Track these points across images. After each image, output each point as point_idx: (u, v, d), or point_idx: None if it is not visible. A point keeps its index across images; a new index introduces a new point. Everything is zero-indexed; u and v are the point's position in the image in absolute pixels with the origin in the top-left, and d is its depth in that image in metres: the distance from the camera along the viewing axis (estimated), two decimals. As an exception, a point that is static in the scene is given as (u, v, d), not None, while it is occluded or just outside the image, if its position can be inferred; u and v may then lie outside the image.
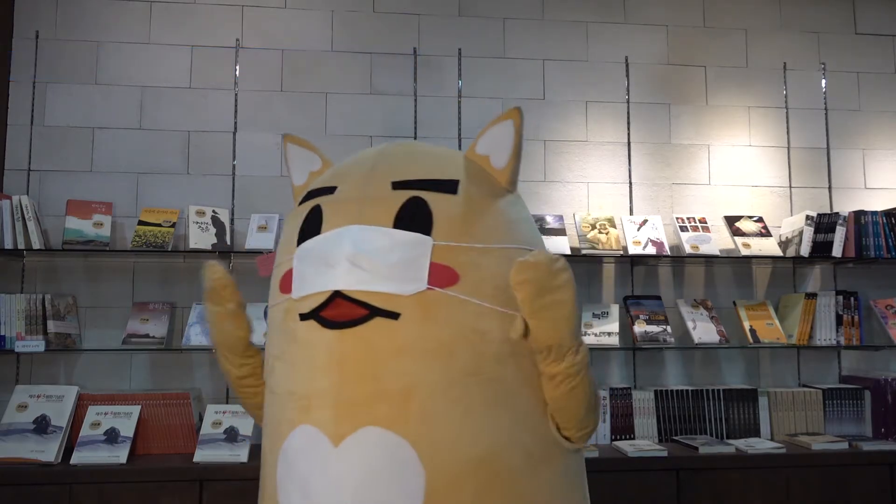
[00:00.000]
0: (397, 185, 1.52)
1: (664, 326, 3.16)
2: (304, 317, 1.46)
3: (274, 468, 1.49)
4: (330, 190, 1.60)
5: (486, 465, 1.39)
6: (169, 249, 3.00)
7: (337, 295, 1.42)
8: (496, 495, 1.40)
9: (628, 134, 3.45)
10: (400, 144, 1.76)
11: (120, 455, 2.68)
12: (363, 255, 1.42)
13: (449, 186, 1.53)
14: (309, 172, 1.80)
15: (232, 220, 3.17)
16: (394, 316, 1.40)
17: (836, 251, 3.20)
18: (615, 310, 3.18)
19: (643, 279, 3.37)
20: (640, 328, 3.14)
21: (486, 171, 1.61)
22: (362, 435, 1.37)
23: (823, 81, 3.60)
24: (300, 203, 1.68)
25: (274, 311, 1.58)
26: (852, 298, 3.28)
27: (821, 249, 3.23)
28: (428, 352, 1.40)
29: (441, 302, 1.42)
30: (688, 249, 3.20)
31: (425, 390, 1.38)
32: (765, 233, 3.30)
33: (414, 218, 1.48)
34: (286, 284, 1.54)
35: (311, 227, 1.55)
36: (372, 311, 1.40)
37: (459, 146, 3.30)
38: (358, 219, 1.49)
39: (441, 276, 1.43)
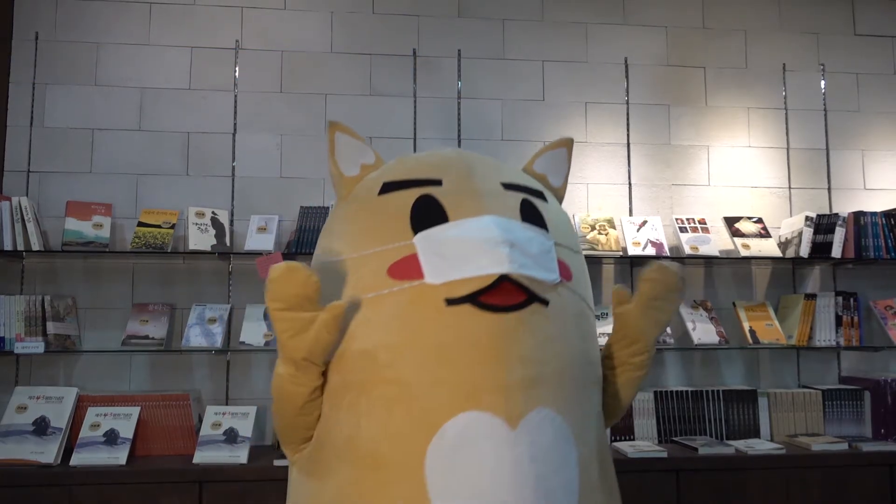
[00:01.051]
0: (507, 186, 1.63)
1: (664, 327, 3.16)
2: (453, 301, 1.43)
3: (417, 468, 1.38)
4: (435, 182, 1.60)
5: (602, 437, 1.60)
6: (168, 251, 3.00)
7: (504, 279, 1.44)
8: (605, 468, 1.60)
9: (627, 135, 3.45)
10: (464, 150, 1.85)
11: (119, 456, 2.68)
12: (516, 243, 1.48)
13: (540, 195, 1.69)
14: (361, 165, 1.74)
15: (231, 222, 3.17)
16: (545, 302, 1.49)
17: (836, 252, 3.20)
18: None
19: (643, 280, 3.37)
20: (639, 329, 3.14)
21: (547, 187, 1.81)
22: (536, 416, 1.42)
23: (823, 82, 3.60)
24: (380, 193, 1.62)
25: (378, 298, 1.49)
26: (852, 299, 3.28)
27: (820, 250, 3.23)
28: (568, 338, 1.53)
29: (567, 294, 1.56)
30: (687, 250, 3.20)
31: (571, 373, 1.51)
32: (764, 234, 3.30)
33: (533, 217, 1.60)
34: (400, 272, 1.48)
35: (431, 215, 1.53)
36: (530, 297, 1.46)
37: (459, 147, 3.30)
38: (489, 210, 1.53)
39: (564, 271, 1.57)
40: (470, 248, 1.47)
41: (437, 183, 1.59)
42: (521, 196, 1.61)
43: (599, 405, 1.63)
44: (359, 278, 1.52)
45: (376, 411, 1.44)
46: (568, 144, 1.87)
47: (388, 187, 1.62)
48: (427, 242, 1.49)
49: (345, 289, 1.52)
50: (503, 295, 1.44)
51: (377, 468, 1.42)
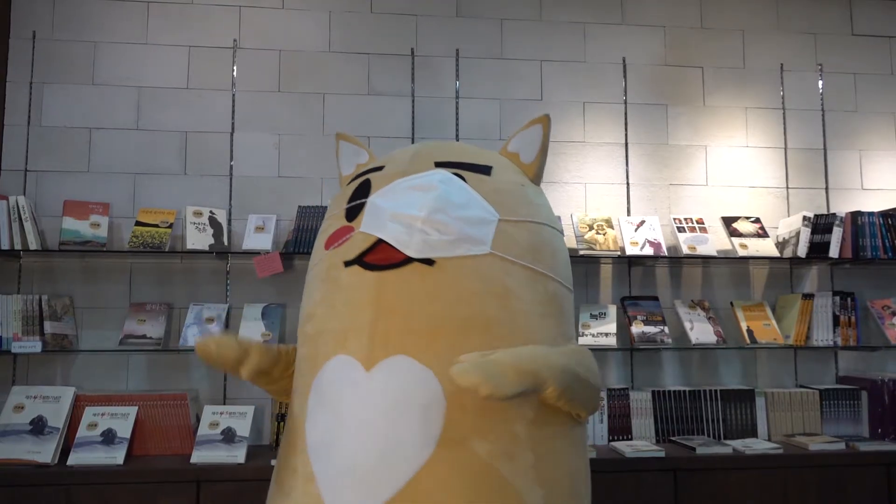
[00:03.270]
0: (439, 164, 1.79)
1: (661, 327, 3.16)
2: (348, 263, 1.67)
3: (304, 402, 1.65)
4: (378, 168, 1.86)
5: (498, 408, 1.54)
6: (166, 250, 2.99)
7: (381, 241, 1.63)
8: (506, 439, 1.54)
9: (626, 135, 3.45)
10: (444, 142, 2.09)
11: (117, 456, 2.67)
12: (399, 212, 1.66)
13: (484, 170, 1.81)
14: (356, 164, 2.03)
15: (229, 221, 3.17)
16: (429, 263, 1.60)
17: (833, 252, 3.21)
18: (612, 310, 3.19)
19: (640, 280, 3.37)
20: (637, 329, 3.14)
21: (516, 164, 1.92)
22: (393, 361, 1.54)
23: (820, 82, 3.61)
24: (349, 183, 1.92)
25: (316, 268, 1.78)
26: (849, 299, 3.29)
27: (818, 250, 3.24)
28: (456, 298, 1.59)
29: (478, 260, 1.64)
30: (685, 250, 3.21)
31: (452, 330, 1.57)
32: (762, 233, 3.31)
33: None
34: (329, 242, 1.76)
35: (360, 193, 1.79)
36: (409, 257, 1.61)
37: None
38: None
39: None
40: (380, 213, 1.70)
41: (380, 169, 1.85)
42: (451, 171, 1.77)
43: None
44: (315, 253, 1.86)
45: (298, 362, 1.76)
46: (543, 121, 1.92)
47: (354, 179, 1.91)
48: (370, 204, 1.74)
49: (310, 263, 1.87)
50: (380, 254, 1.63)
51: (290, 406, 1.75)
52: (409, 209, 1.65)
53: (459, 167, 1.79)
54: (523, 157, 1.92)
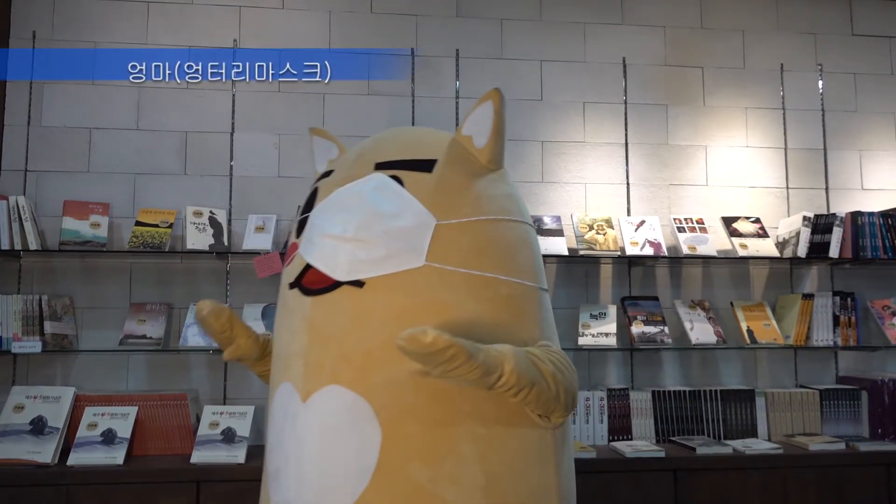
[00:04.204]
0: (379, 166, 1.65)
1: (661, 327, 3.16)
2: (290, 286, 1.62)
3: (267, 428, 1.68)
4: (328, 174, 1.76)
5: (440, 429, 1.46)
6: (166, 250, 2.99)
7: (309, 266, 1.58)
8: (450, 461, 1.45)
9: (626, 135, 3.45)
10: (395, 129, 1.95)
11: (117, 456, 2.67)
12: (327, 232, 1.58)
13: (425, 165, 1.63)
14: (328, 160, 1.92)
15: (229, 221, 3.16)
16: (358, 284, 1.51)
17: (833, 252, 3.21)
18: (612, 310, 3.19)
19: (640, 280, 3.37)
20: (637, 329, 3.14)
21: (467, 151, 1.68)
22: (325, 392, 1.49)
23: (820, 82, 3.61)
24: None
25: (281, 285, 1.75)
26: (849, 299, 3.29)
27: (818, 250, 3.24)
28: (389, 318, 1.48)
29: (409, 273, 1.50)
30: (685, 250, 3.21)
31: (384, 355, 1.46)
32: (762, 234, 3.31)
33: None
34: (286, 259, 1.71)
35: (308, 206, 1.72)
36: (339, 281, 1.52)
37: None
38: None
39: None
40: (313, 232, 1.63)
41: (329, 174, 1.75)
42: (388, 174, 1.60)
43: (476, 397, 1.47)
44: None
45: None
46: (493, 96, 1.67)
47: (316, 180, 1.82)
48: (310, 221, 1.67)
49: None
50: (313, 277, 1.56)
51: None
52: (335, 227, 1.55)
53: (399, 166, 1.62)
54: (476, 142, 1.67)
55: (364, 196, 1.58)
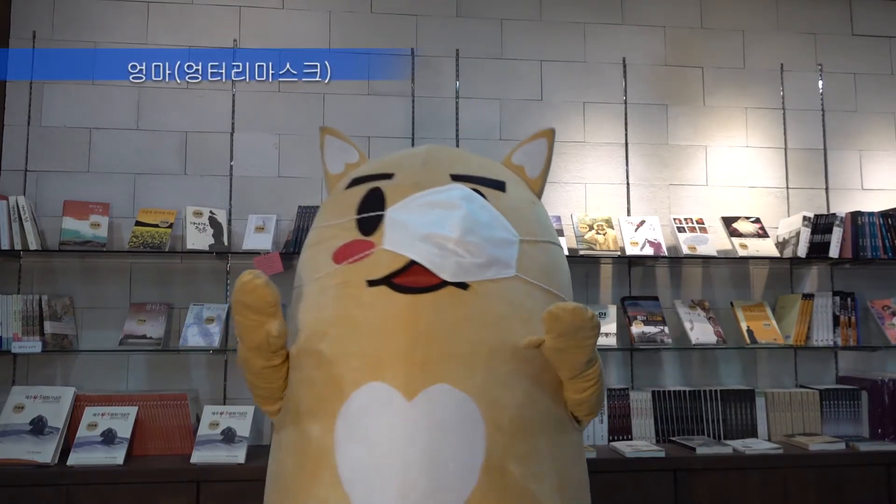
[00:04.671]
0: (455, 177, 1.72)
1: (661, 327, 3.16)
2: (373, 283, 1.58)
3: (329, 431, 1.54)
4: (387, 176, 1.76)
5: (527, 428, 1.56)
6: (166, 250, 2.99)
7: (414, 263, 1.57)
8: (534, 459, 1.55)
9: (626, 135, 3.45)
10: (446, 146, 2.03)
11: (117, 456, 2.67)
12: (433, 233, 1.59)
13: (498, 185, 1.78)
14: (345, 163, 1.94)
15: (229, 221, 3.16)
16: (463, 287, 1.56)
17: (833, 252, 3.21)
18: (613, 310, 3.19)
19: (640, 280, 3.37)
20: (637, 329, 3.14)
21: (522, 179, 1.88)
22: (434, 390, 1.49)
23: (820, 82, 3.61)
24: (347, 188, 1.82)
25: (322, 281, 1.68)
26: (849, 299, 3.29)
27: (818, 250, 3.24)
28: (490, 322, 1.57)
29: (508, 282, 1.62)
30: (685, 250, 3.21)
31: (486, 355, 1.55)
32: (762, 234, 3.31)
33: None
34: (341, 255, 1.66)
35: (373, 204, 1.70)
36: (444, 281, 1.56)
37: (457, 147, 3.30)
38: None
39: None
40: (406, 230, 1.62)
41: (390, 177, 1.75)
42: (469, 186, 1.71)
43: (555, 400, 1.64)
44: (314, 263, 1.73)
45: (307, 380, 1.62)
46: (548, 135, 1.91)
47: (353, 182, 1.82)
48: (390, 219, 1.66)
49: (305, 272, 1.74)
50: (414, 277, 1.57)
51: (305, 431, 1.59)
52: (439, 229, 1.58)
53: (475, 181, 1.74)
54: (529, 172, 1.89)
55: (456, 203, 1.63)
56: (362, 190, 1.76)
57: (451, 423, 1.49)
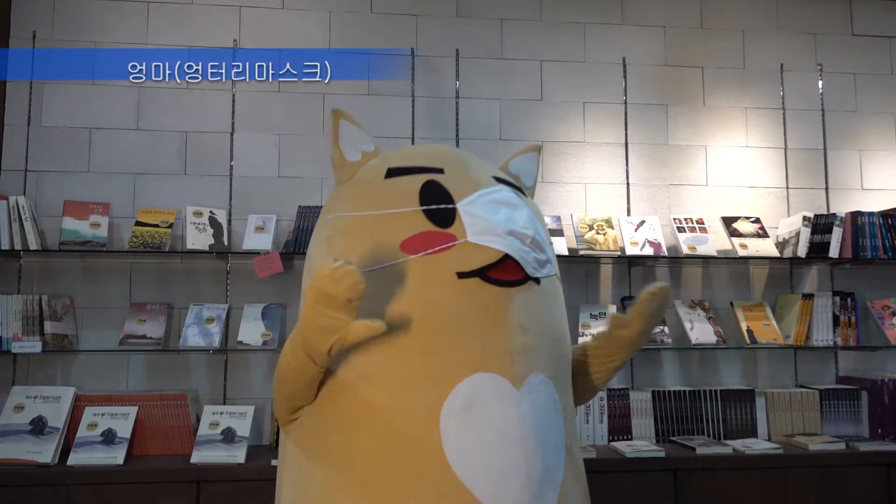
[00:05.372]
0: (497, 180, 1.77)
1: (661, 327, 3.16)
2: (463, 275, 1.58)
3: (433, 425, 1.49)
4: (437, 170, 1.73)
5: (571, 411, 1.74)
6: (166, 250, 2.99)
7: (507, 258, 1.60)
8: (575, 438, 1.74)
9: (626, 135, 3.45)
10: (449, 146, 2.11)
11: (117, 456, 2.67)
12: (515, 230, 1.65)
13: (523, 191, 1.87)
14: (363, 152, 1.88)
15: (229, 221, 3.16)
16: (538, 282, 1.66)
17: (833, 252, 3.21)
18: (613, 310, 3.19)
19: (640, 280, 3.37)
20: (637, 329, 3.14)
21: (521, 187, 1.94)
22: (533, 379, 1.59)
23: (820, 82, 3.61)
24: (386, 177, 1.74)
25: (392, 270, 1.59)
26: (849, 299, 3.29)
27: (818, 250, 3.24)
28: (554, 315, 1.72)
29: (551, 278, 1.74)
30: (685, 250, 3.21)
31: (557, 345, 1.70)
32: (762, 234, 3.31)
33: None
34: (417, 247, 1.60)
35: (438, 197, 1.66)
36: (526, 276, 1.63)
37: (457, 146, 3.30)
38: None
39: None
40: (489, 226, 1.63)
41: (440, 171, 1.73)
42: (511, 189, 1.79)
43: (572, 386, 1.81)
44: (370, 250, 1.62)
45: (391, 377, 1.54)
46: (537, 149, 2.04)
47: (393, 172, 1.75)
48: (466, 212, 1.64)
49: (360, 259, 1.58)
50: (506, 271, 1.60)
51: (395, 430, 1.51)
52: (516, 226, 1.64)
53: (511, 185, 1.81)
54: (524, 181, 1.96)
55: (517, 202, 1.70)
56: (414, 181, 1.69)
57: (546, 408, 1.60)
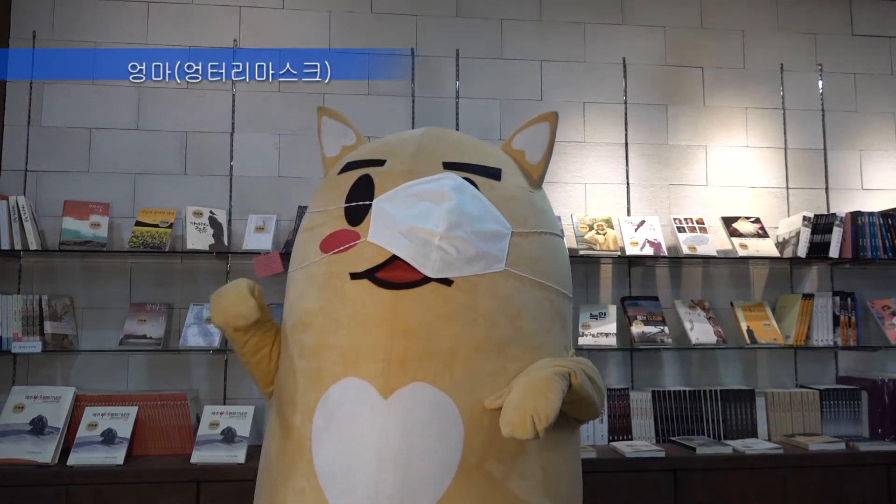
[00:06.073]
0: (448, 165, 1.68)
1: (661, 327, 3.16)
2: (355, 276, 1.56)
3: (307, 421, 1.55)
4: (378, 162, 1.72)
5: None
6: (166, 250, 2.99)
7: (395, 258, 1.54)
8: (518, 457, 1.53)
9: (626, 135, 3.45)
10: (442, 129, 1.93)
11: (117, 456, 2.67)
12: (415, 227, 1.55)
13: (493, 173, 1.72)
14: (342, 146, 1.91)
15: (229, 221, 3.16)
16: (447, 283, 1.53)
17: (833, 252, 3.21)
18: (613, 310, 3.19)
19: (641, 280, 3.37)
20: (637, 329, 3.14)
21: (520, 165, 1.81)
22: (411, 388, 1.48)
23: (820, 82, 3.61)
24: (339, 173, 1.79)
25: (308, 270, 1.67)
26: (849, 299, 3.29)
27: (818, 250, 3.24)
28: (473, 319, 1.54)
29: (495, 277, 1.58)
30: (685, 250, 3.21)
31: (469, 353, 1.52)
32: (762, 234, 3.31)
33: None
34: (328, 245, 1.64)
35: (362, 193, 1.66)
36: (427, 277, 1.52)
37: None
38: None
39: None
40: (392, 223, 1.59)
41: (381, 163, 1.72)
42: (460, 175, 1.66)
43: None
44: (304, 249, 1.72)
45: (290, 369, 1.64)
46: (551, 119, 1.84)
47: (346, 167, 1.79)
48: (377, 209, 1.62)
49: (296, 258, 1.75)
50: (396, 272, 1.54)
51: (287, 419, 1.61)
52: (424, 222, 1.53)
53: (469, 170, 1.69)
54: (529, 157, 1.82)
55: (445, 194, 1.57)
56: (353, 176, 1.73)
57: (427, 422, 1.48)
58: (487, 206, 1.63)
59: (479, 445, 1.49)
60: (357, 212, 1.65)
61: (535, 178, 1.84)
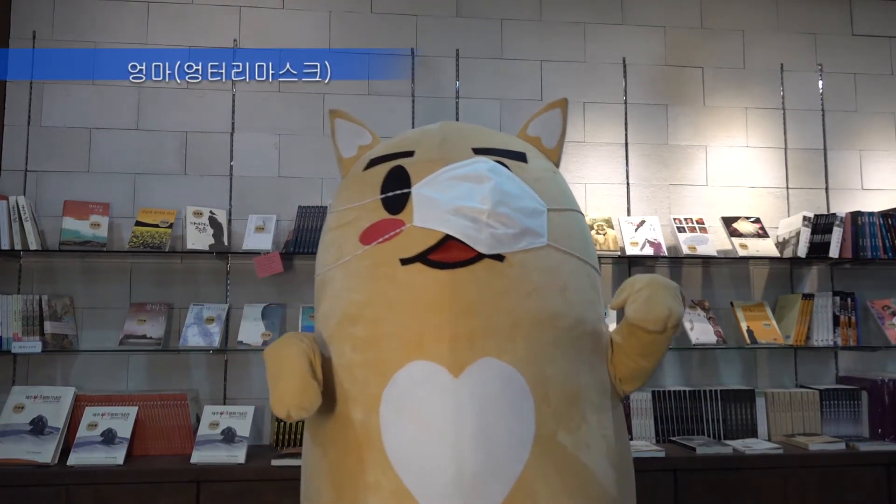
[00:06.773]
0: (478, 151, 1.71)
1: (662, 327, 3.15)
2: (406, 261, 1.56)
3: (373, 413, 1.53)
4: (408, 154, 1.74)
5: (573, 398, 1.57)
6: (166, 250, 3.00)
7: (448, 238, 1.55)
8: (583, 428, 1.56)
9: (626, 135, 3.45)
10: (457, 122, 1.99)
11: (117, 456, 2.67)
12: (463, 206, 1.56)
13: (520, 156, 1.77)
14: (358, 146, 1.91)
15: (229, 221, 3.16)
16: (499, 259, 1.56)
17: (833, 252, 3.21)
18: (612, 311, 3.18)
19: (641, 280, 3.36)
20: (637, 329, 3.14)
21: (539, 150, 1.87)
22: (480, 364, 1.49)
23: (820, 82, 3.61)
24: (365, 169, 1.79)
25: (351, 265, 1.65)
26: (849, 299, 3.29)
27: (818, 250, 3.23)
28: (527, 293, 1.57)
29: (539, 252, 1.62)
30: (685, 250, 3.21)
31: (527, 326, 1.55)
32: (762, 234, 3.31)
33: None
34: (369, 236, 1.63)
35: (397, 183, 1.67)
36: (480, 254, 1.54)
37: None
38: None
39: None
40: (436, 206, 1.59)
41: (410, 154, 1.73)
42: (492, 159, 1.69)
43: (594, 370, 1.65)
44: (340, 246, 1.70)
45: (345, 366, 1.60)
46: (562, 105, 1.91)
47: (371, 163, 1.79)
48: (418, 195, 1.63)
49: (329, 258, 1.71)
50: (449, 252, 1.55)
51: (347, 417, 1.57)
52: (469, 202, 1.55)
53: (498, 154, 1.72)
54: (545, 142, 1.89)
55: (484, 175, 1.60)
56: (383, 169, 1.73)
57: (500, 396, 1.49)
58: (523, 185, 1.66)
59: (549, 417, 1.52)
60: (395, 201, 1.65)
61: (554, 161, 1.90)
